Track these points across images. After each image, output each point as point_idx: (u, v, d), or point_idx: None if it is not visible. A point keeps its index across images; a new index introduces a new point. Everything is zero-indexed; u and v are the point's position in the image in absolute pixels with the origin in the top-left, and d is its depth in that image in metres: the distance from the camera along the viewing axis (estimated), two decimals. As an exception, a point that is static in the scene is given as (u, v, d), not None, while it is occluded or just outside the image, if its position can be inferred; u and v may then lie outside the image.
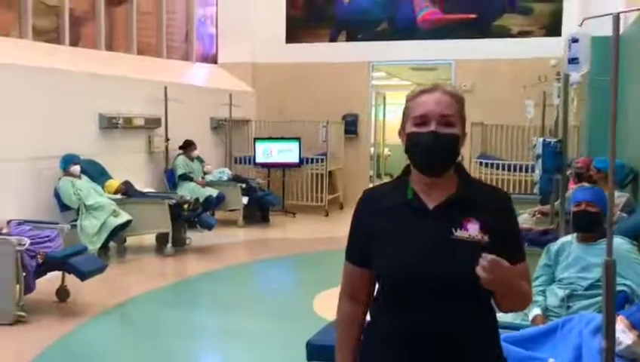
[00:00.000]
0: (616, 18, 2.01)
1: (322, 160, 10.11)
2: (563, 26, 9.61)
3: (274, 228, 9.19)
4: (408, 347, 1.56)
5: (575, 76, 2.33)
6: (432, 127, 1.55)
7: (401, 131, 1.65)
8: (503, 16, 10.45)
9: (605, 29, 2.27)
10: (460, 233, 1.51)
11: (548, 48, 8.95)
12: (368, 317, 1.71)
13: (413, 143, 1.59)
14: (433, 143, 1.54)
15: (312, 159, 10.17)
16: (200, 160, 8.96)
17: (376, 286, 1.68)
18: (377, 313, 1.67)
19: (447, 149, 1.56)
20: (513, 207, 1.66)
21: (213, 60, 11.61)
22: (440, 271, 1.53)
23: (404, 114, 1.64)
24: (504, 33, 10.39)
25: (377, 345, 1.62)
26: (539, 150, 4.33)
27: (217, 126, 10.19)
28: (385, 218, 1.62)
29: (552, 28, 10.03)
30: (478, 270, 1.43)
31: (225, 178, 9.24)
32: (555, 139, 4.28)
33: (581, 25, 2.12)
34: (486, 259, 1.42)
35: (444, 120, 1.56)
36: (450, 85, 1.64)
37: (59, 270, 4.93)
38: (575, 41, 2.09)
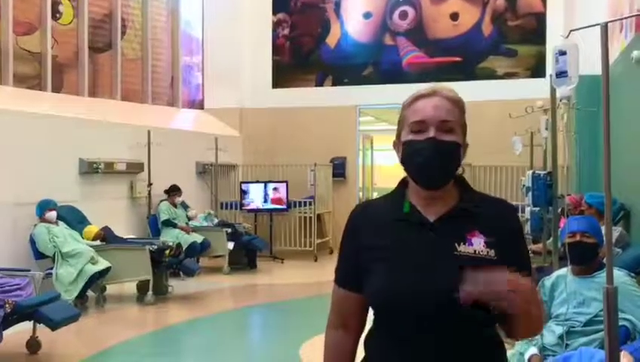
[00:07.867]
0: (604, 29, 1.90)
1: (310, 203, 9.94)
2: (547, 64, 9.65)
3: (261, 274, 8.92)
4: None
5: (564, 90, 2.20)
6: (431, 133, 1.39)
7: (396, 141, 1.48)
8: (487, 59, 10.53)
9: (590, 46, 2.16)
10: (464, 248, 1.35)
11: (534, 89, 8.93)
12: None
13: (409, 152, 1.42)
14: (432, 151, 1.38)
15: (300, 203, 10.01)
16: (184, 205, 8.75)
17: (370, 313, 1.50)
18: (372, 346, 1.48)
19: (447, 158, 1.40)
20: (519, 219, 1.49)
21: (200, 106, 11.56)
22: (442, 294, 1.32)
23: (399, 122, 1.48)
24: (490, 75, 10.44)
25: None
26: (528, 183, 4.19)
27: (203, 171, 10.04)
28: (379, 235, 1.44)
29: (537, 69, 10.11)
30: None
31: (212, 222, 9.01)
32: (544, 172, 4.15)
33: (567, 37, 2.01)
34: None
35: (444, 126, 1.40)
36: (450, 89, 1.46)
37: (28, 319, 4.64)
38: (562, 53, 1.97)
